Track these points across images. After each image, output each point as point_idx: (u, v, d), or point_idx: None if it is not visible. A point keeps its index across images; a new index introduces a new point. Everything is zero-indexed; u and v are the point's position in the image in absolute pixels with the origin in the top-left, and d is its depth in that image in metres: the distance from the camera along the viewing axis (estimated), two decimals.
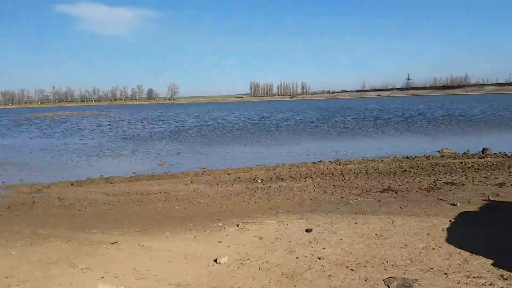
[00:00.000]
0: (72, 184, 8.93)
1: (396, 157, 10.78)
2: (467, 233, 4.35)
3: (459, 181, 7.39)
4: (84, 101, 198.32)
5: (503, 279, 3.18)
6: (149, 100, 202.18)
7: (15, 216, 6.31)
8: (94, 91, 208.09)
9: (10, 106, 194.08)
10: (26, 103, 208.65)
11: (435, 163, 9.49)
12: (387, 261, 3.66)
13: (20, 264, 4.02)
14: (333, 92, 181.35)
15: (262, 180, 8.42)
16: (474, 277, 3.22)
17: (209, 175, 9.31)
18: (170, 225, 5.31)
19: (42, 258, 4.18)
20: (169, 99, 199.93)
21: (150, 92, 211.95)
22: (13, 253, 4.44)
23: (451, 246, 3.97)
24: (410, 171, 8.64)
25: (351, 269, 3.51)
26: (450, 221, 4.82)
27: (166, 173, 9.81)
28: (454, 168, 8.80)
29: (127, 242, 4.64)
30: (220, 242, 4.47)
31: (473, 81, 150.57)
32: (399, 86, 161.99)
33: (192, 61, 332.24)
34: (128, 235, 4.95)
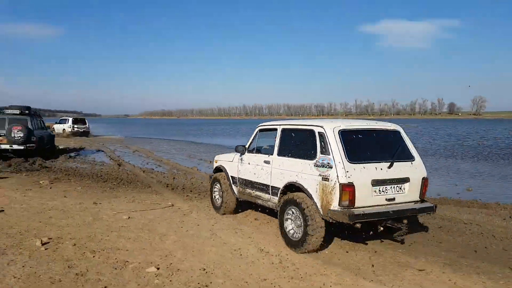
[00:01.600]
0: None
1: None
2: None
3: None
4: (383, 114, 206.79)
5: None
6: (450, 114, 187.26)
7: None
8: (393, 104, 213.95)
9: (320, 117, 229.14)
10: (332, 115, 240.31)
11: None
12: None
13: None
14: None
15: None
16: None
17: None
18: (485, 265, 4.43)
19: None
20: (474, 114, 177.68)
21: (451, 106, 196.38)
22: None
23: None
24: None
25: None
26: None
27: (476, 201, 8.46)
28: None
29: (435, 273, 4.19)
30: None
31: None
32: None
33: (501, 69, 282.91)
34: (436, 265, 4.47)
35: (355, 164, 4.41)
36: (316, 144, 4.72)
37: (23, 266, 4.03)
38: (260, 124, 6.15)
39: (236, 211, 6.67)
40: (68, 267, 4.10)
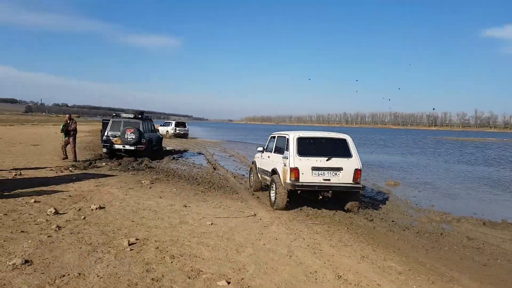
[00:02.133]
0: (484, 224, 7.92)
1: None
2: None
3: None
4: (507, 127, 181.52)
5: None
6: None
7: (421, 247, 6.26)
8: None
9: (433, 128, 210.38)
10: (447, 125, 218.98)
11: None
12: None
13: None
14: None
15: None
16: None
17: None
18: None
19: None
20: None
21: None
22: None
23: None
24: None
25: None
26: None
27: None
28: None
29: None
30: None
31: None
32: None
33: None
34: None
35: (301, 157, 7.41)
36: (285, 145, 7.83)
37: (107, 266, 4.32)
38: (271, 134, 9.39)
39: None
40: (147, 270, 4.26)
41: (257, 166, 9.68)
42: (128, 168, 12.78)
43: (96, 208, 6.94)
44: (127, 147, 15.52)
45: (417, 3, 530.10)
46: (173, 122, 36.59)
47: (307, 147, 7.63)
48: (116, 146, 15.54)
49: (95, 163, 13.73)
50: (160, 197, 8.36)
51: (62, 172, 11.30)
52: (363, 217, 7.77)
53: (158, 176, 11.58)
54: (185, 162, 16.54)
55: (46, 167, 11.86)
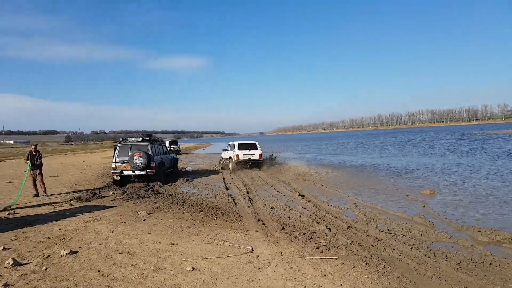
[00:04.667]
0: None
1: None
2: None
3: None
4: None
5: None
6: None
7: (463, 277, 4.71)
8: None
9: (473, 122, 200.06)
10: (489, 119, 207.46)
11: None
12: None
13: None
14: None
15: None
16: None
17: None
18: None
19: None
20: None
21: None
22: None
23: None
24: None
25: None
26: None
27: None
28: None
29: None
30: None
31: None
32: None
33: None
34: None
35: (239, 150, 20.45)
36: (234, 146, 20.91)
37: None
38: (228, 143, 22.85)
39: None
40: None
41: (222, 157, 23.19)
42: (133, 197, 11.88)
43: (67, 254, 5.94)
44: (137, 172, 14.73)
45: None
46: (168, 141, 39.46)
47: (242, 146, 20.76)
48: (126, 172, 14.79)
49: (100, 192, 12.95)
50: (149, 233, 7.26)
51: (61, 206, 10.56)
52: (387, 246, 6.28)
53: (160, 204, 10.57)
54: (199, 183, 15.50)
55: (48, 203, 11.16)
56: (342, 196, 11.59)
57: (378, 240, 6.66)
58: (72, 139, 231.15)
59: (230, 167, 20.65)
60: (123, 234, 7.24)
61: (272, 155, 25.24)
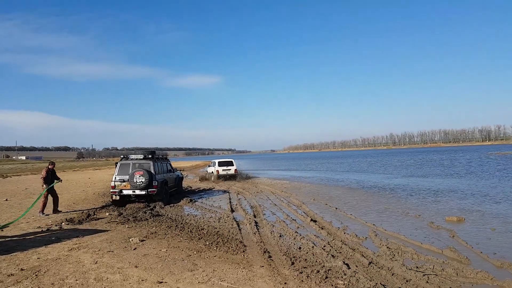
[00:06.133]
0: None
1: None
2: None
3: None
4: None
5: None
6: None
7: None
8: None
9: (487, 142, 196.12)
10: (502, 139, 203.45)
11: None
12: None
13: None
14: None
15: None
16: None
17: None
18: None
19: None
20: None
21: None
22: None
23: None
24: None
25: None
26: None
27: None
28: None
29: None
30: None
31: None
32: None
33: None
34: None
35: (219, 167, 27.52)
36: (215, 163, 28.16)
37: None
38: (212, 160, 30.41)
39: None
40: None
41: (207, 171, 30.17)
42: (128, 219, 10.92)
43: None
44: (137, 192, 13.81)
45: (456, 13, 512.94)
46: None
47: (221, 163, 27.94)
48: (125, 192, 13.88)
49: (95, 214, 12.02)
50: (136, 266, 6.25)
51: (48, 229, 9.66)
52: None
53: (157, 228, 9.57)
54: (203, 204, 14.50)
55: (37, 226, 10.26)
56: (359, 222, 10.43)
57: (407, 281, 5.54)
58: (84, 156, 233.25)
59: (212, 178, 27.89)
60: (106, 266, 6.24)
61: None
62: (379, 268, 6.18)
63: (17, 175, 40.56)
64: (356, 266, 6.21)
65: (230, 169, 27.34)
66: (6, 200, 16.39)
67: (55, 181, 12.66)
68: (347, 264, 6.19)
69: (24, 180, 31.35)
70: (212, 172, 27.88)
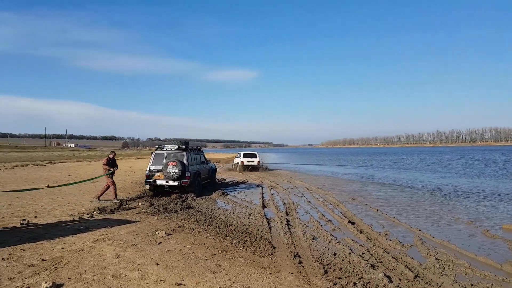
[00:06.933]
0: None
1: None
2: None
3: None
4: None
5: None
6: None
7: None
8: None
9: None
10: None
11: None
12: None
13: None
14: None
15: None
16: None
17: None
18: None
19: None
20: None
21: None
22: None
23: None
24: None
25: None
26: None
27: None
28: None
29: None
30: None
31: None
32: None
33: None
34: None
35: (244, 158, 31.45)
36: (240, 155, 32.21)
37: None
38: (239, 152, 34.26)
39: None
40: None
41: (234, 162, 33.60)
42: (159, 210, 10.70)
43: None
44: (170, 182, 13.64)
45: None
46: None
47: (246, 155, 31.91)
48: (159, 182, 13.76)
49: (127, 204, 11.94)
50: (157, 263, 5.87)
51: (81, 217, 9.64)
52: None
53: (185, 222, 9.23)
54: (234, 198, 14.09)
55: (70, 214, 10.30)
56: (403, 227, 9.49)
57: None
58: (129, 145, 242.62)
59: (237, 169, 31.59)
60: (127, 262, 5.92)
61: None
62: (427, 283, 5.37)
63: (64, 162, 42.51)
64: (400, 280, 5.45)
65: (253, 161, 31.36)
66: (48, 186, 16.89)
67: (110, 169, 12.78)
68: (388, 277, 5.44)
69: (69, 167, 32.66)
70: (238, 162, 31.84)
